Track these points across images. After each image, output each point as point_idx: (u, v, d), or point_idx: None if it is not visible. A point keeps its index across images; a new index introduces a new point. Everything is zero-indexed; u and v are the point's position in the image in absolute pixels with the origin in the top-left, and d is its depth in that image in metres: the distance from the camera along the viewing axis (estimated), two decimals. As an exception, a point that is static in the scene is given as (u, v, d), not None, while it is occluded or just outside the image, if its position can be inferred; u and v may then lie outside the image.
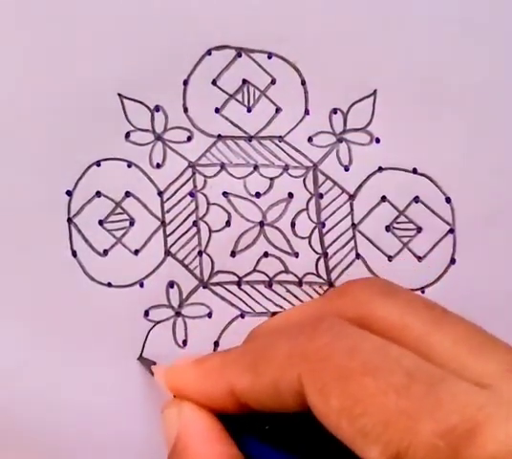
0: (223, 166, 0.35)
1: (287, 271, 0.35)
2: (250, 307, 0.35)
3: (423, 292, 0.35)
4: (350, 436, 0.23)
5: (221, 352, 0.30)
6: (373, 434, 0.23)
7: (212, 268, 0.35)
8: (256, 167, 0.35)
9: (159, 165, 0.35)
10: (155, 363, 0.33)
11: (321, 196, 0.35)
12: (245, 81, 0.35)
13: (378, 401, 0.23)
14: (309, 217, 0.35)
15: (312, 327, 0.26)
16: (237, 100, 0.35)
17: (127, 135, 0.34)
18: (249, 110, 0.35)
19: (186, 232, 0.35)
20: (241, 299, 0.35)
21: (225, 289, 0.35)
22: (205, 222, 0.35)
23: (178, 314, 0.34)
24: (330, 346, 0.25)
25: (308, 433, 0.26)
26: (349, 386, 0.23)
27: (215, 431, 0.28)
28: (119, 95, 0.34)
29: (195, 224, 0.35)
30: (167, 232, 0.34)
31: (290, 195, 0.35)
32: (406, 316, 0.26)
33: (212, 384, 0.28)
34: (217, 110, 0.35)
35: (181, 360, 0.30)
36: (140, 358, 0.34)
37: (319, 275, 0.35)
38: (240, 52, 0.35)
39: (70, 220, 0.34)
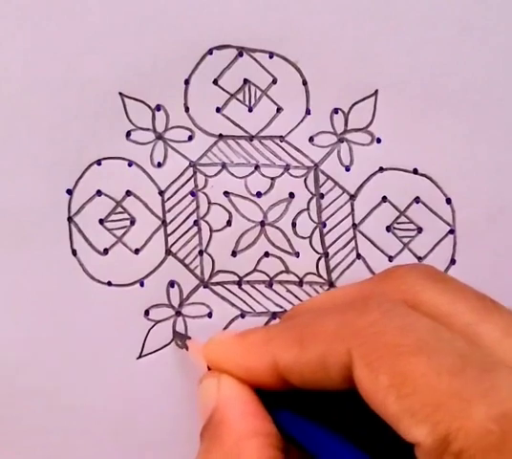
0: (224, 166, 0.35)
1: (287, 270, 0.35)
2: (251, 307, 0.35)
3: (424, 292, 0.35)
4: (395, 415, 0.23)
5: (264, 327, 0.29)
6: (422, 414, 0.22)
7: (213, 267, 0.34)
8: (257, 167, 0.35)
9: (159, 165, 0.35)
10: (189, 338, 0.33)
11: (322, 196, 0.35)
12: (246, 81, 0.35)
13: (430, 381, 0.22)
14: (310, 217, 0.35)
15: (363, 303, 0.25)
16: (238, 100, 0.35)
17: (128, 134, 0.34)
18: (250, 110, 0.35)
19: (187, 232, 0.34)
20: (241, 299, 0.35)
21: (226, 288, 0.35)
22: (206, 221, 0.35)
23: (178, 313, 0.34)
24: (381, 322, 0.24)
25: (346, 414, 0.26)
26: (399, 364, 0.23)
27: (253, 406, 0.27)
28: (120, 94, 0.34)
29: (196, 223, 0.35)
30: (168, 232, 0.34)
31: (291, 195, 0.35)
32: (455, 303, 0.26)
33: (255, 358, 0.27)
34: (218, 109, 0.35)
35: (220, 334, 0.29)
36: (174, 332, 0.34)
37: (320, 275, 0.35)
38: (241, 51, 0.35)
39: (70, 219, 0.34)
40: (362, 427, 0.25)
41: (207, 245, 0.34)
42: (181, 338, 0.34)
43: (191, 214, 0.35)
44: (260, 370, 0.27)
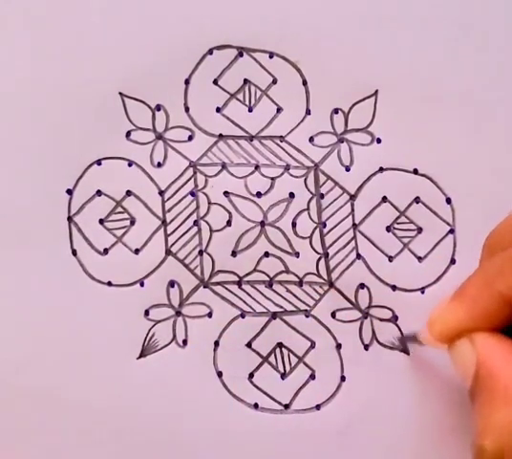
0: (224, 166, 0.35)
1: (287, 270, 0.35)
2: (251, 307, 0.35)
3: (423, 292, 0.35)
4: None
5: (474, 274, 0.30)
6: None
7: (213, 267, 0.34)
8: (257, 167, 0.35)
9: (159, 165, 0.34)
10: (415, 335, 0.33)
11: (322, 196, 0.35)
12: (246, 81, 0.35)
13: None
14: (310, 217, 0.35)
15: None
16: (238, 100, 0.35)
17: (128, 134, 0.34)
18: (251, 110, 0.35)
19: (187, 232, 0.34)
20: (241, 299, 0.35)
21: (226, 288, 0.35)
22: (206, 221, 0.34)
23: (178, 313, 0.34)
24: None
25: None
26: None
27: None
28: (121, 94, 0.34)
29: (196, 223, 0.35)
30: (168, 232, 0.34)
31: (291, 195, 0.35)
32: None
33: (483, 301, 0.28)
34: (218, 109, 0.35)
35: (434, 309, 0.30)
36: (403, 337, 0.35)
37: (320, 275, 0.35)
38: (241, 51, 0.35)
39: (70, 219, 0.34)
40: None
41: (207, 245, 0.34)
42: (410, 341, 0.34)
43: (191, 214, 0.35)
44: (493, 310, 0.28)
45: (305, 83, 0.35)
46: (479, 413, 0.28)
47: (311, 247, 0.35)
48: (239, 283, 0.35)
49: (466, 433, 0.34)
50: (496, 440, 0.27)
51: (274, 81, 0.35)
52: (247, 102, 0.35)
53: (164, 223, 0.34)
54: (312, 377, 0.35)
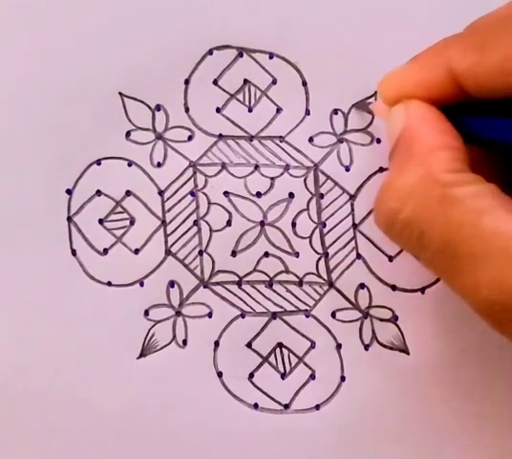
0: (223, 166, 0.35)
1: (287, 271, 0.35)
2: (251, 307, 0.35)
3: (423, 292, 0.35)
4: None
5: (433, 44, 0.30)
6: None
7: (213, 267, 0.34)
8: (257, 167, 0.35)
9: (159, 165, 0.34)
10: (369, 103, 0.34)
11: (322, 196, 0.35)
12: (246, 81, 0.35)
13: None
14: (310, 217, 0.35)
15: None
16: (238, 100, 0.35)
17: (128, 134, 0.34)
18: (250, 110, 0.35)
19: (187, 232, 0.34)
20: (241, 299, 0.35)
21: (226, 289, 0.35)
22: (206, 221, 0.34)
23: (178, 313, 0.34)
24: None
25: None
26: None
27: (442, 124, 0.28)
28: (120, 93, 0.34)
29: (196, 223, 0.35)
30: (168, 232, 0.34)
31: (291, 195, 0.35)
32: None
33: (431, 70, 0.28)
34: (218, 110, 0.35)
35: (392, 70, 0.30)
36: (356, 105, 0.35)
37: (319, 275, 0.35)
38: (241, 51, 0.35)
39: (70, 219, 0.34)
40: None
41: (207, 245, 0.34)
42: (361, 108, 0.34)
43: (191, 214, 0.35)
44: (437, 80, 0.28)
45: (304, 84, 0.35)
46: (389, 174, 0.29)
47: (311, 247, 0.35)
48: (239, 283, 0.35)
49: (466, 434, 0.35)
50: (402, 201, 0.28)
51: (274, 82, 0.35)
52: (247, 103, 0.35)
53: (164, 223, 0.34)
54: (312, 377, 0.35)
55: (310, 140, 0.35)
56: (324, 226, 0.35)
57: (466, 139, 0.29)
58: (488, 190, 0.27)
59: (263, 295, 0.35)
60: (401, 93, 0.30)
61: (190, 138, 0.35)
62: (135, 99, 0.34)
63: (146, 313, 0.34)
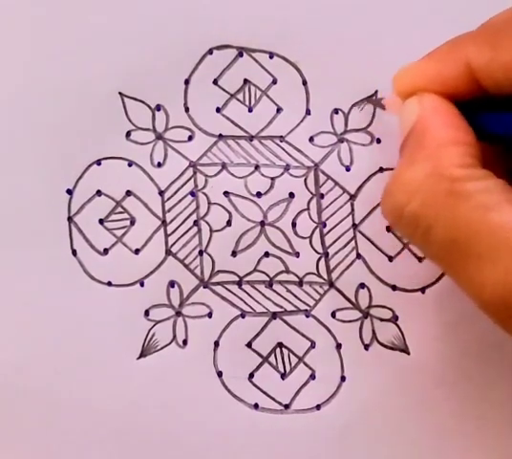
0: (224, 166, 0.35)
1: (287, 270, 0.35)
2: (251, 307, 0.35)
3: (423, 292, 0.35)
4: None
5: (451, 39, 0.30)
6: None
7: (213, 267, 0.34)
8: (257, 167, 0.35)
9: (159, 165, 0.35)
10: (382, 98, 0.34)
11: (322, 196, 0.35)
12: (246, 81, 0.35)
13: None
14: (310, 217, 0.35)
15: None
16: (238, 100, 0.35)
17: (128, 134, 0.34)
18: (250, 110, 0.35)
19: (187, 232, 0.34)
20: (241, 299, 0.35)
21: (226, 289, 0.35)
22: (206, 221, 0.34)
23: (178, 313, 0.34)
24: None
25: None
26: None
27: (455, 119, 0.28)
28: (120, 94, 0.34)
29: (196, 223, 0.35)
30: (168, 232, 0.34)
31: (291, 195, 0.35)
32: None
33: (447, 65, 0.28)
34: (218, 109, 0.35)
35: (406, 64, 0.30)
36: (369, 99, 0.35)
37: (320, 275, 0.35)
38: (241, 51, 0.35)
39: (70, 219, 0.34)
40: None
41: (207, 245, 0.34)
42: (373, 103, 0.34)
43: (191, 214, 0.35)
44: (452, 76, 0.28)
45: (305, 83, 0.35)
46: (398, 166, 0.28)
47: (311, 247, 0.35)
48: (239, 283, 0.35)
49: (466, 434, 0.35)
50: (410, 194, 0.27)
51: (274, 81, 0.35)
52: (247, 102, 0.35)
53: (164, 223, 0.34)
54: (312, 377, 0.35)
55: (311, 139, 0.35)
56: (324, 226, 0.35)
57: (479, 136, 0.29)
58: (497, 186, 0.27)
59: (263, 294, 0.35)
60: (416, 87, 0.30)
61: (190, 138, 0.35)
62: (135, 99, 0.34)
63: (146, 313, 0.34)
